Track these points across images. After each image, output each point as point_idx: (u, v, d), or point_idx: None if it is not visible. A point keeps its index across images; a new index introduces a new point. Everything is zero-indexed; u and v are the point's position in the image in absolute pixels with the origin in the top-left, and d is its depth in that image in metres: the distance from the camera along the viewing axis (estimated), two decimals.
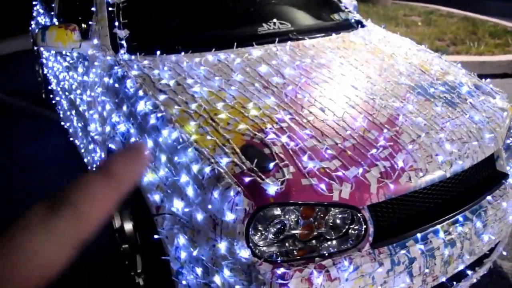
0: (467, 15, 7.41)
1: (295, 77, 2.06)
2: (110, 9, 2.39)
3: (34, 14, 4.45)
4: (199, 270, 1.51)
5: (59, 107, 3.61)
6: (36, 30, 3.32)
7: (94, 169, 0.28)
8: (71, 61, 2.88)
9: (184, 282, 1.60)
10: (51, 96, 3.84)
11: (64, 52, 2.98)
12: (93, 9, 2.48)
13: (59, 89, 3.42)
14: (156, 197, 1.66)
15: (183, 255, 1.56)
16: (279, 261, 1.41)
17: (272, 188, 1.38)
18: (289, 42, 2.42)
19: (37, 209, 0.25)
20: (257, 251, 1.42)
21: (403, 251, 1.53)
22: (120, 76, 2.08)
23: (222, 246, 1.41)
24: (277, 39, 2.41)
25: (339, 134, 1.66)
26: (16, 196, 2.87)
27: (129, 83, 1.99)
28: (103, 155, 2.32)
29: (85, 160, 2.87)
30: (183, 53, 2.19)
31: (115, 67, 2.15)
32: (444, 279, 1.68)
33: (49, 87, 3.82)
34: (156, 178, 1.67)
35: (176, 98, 1.82)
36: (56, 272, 0.25)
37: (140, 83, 1.95)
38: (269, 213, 1.43)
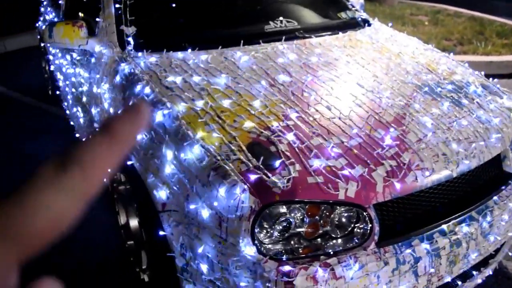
0: (474, 14, 7.36)
1: (301, 75, 2.06)
2: (117, 6, 2.40)
3: (42, 10, 4.47)
4: (204, 267, 1.51)
5: (66, 104, 3.62)
6: (43, 27, 3.34)
7: (97, 130, 0.29)
8: (77, 58, 2.89)
9: (189, 279, 1.60)
10: (58, 92, 3.86)
11: (71, 49, 2.99)
12: (100, 6, 2.49)
13: (65, 85, 3.43)
14: (162, 194, 1.66)
15: (188, 252, 1.56)
16: (284, 259, 1.42)
17: (278, 186, 1.38)
18: (295, 40, 2.42)
19: (48, 168, 0.27)
20: (262, 248, 1.42)
21: (408, 250, 1.52)
22: (127, 73, 2.09)
23: (228, 243, 1.41)
24: (283, 37, 2.41)
25: (345, 132, 1.66)
26: None
27: (135, 80, 2.00)
28: None
29: None
30: (189, 50, 2.20)
31: (122, 64, 2.16)
32: (449, 279, 1.68)
33: (56, 84, 3.84)
34: (162, 175, 1.67)
35: (182, 95, 1.82)
36: (67, 226, 0.27)
37: (147, 80, 1.96)
38: (275, 210, 1.43)
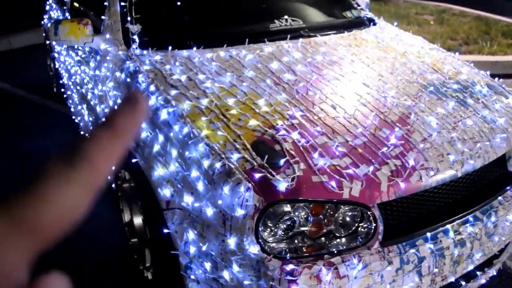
0: (480, 14, 7.33)
1: (306, 74, 2.05)
2: (122, 3, 2.40)
3: (47, 8, 4.48)
4: (207, 265, 1.52)
5: (71, 101, 3.63)
6: (49, 24, 3.35)
7: (99, 124, 0.30)
8: (83, 56, 2.90)
9: (192, 277, 1.61)
10: (63, 90, 3.87)
11: (76, 47, 3.00)
12: (105, 3, 2.50)
13: (70, 83, 3.44)
14: (166, 192, 1.66)
15: (192, 250, 1.56)
16: (288, 258, 1.42)
17: (282, 185, 1.38)
18: (300, 39, 2.41)
19: (56, 163, 0.28)
20: (266, 247, 1.42)
21: (412, 250, 1.52)
22: (132, 71, 2.09)
23: (232, 241, 1.41)
24: (288, 36, 2.41)
25: (350, 131, 1.66)
26: None
27: (140, 78, 2.00)
28: None
29: None
30: (195, 49, 2.20)
31: (127, 62, 2.16)
32: (453, 279, 1.67)
33: (61, 81, 3.85)
34: (167, 173, 1.67)
35: (187, 93, 1.83)
36: (77, 219, 0.28)
37: (152, 78, 1.96)
38: (279, 209, 1.43)
